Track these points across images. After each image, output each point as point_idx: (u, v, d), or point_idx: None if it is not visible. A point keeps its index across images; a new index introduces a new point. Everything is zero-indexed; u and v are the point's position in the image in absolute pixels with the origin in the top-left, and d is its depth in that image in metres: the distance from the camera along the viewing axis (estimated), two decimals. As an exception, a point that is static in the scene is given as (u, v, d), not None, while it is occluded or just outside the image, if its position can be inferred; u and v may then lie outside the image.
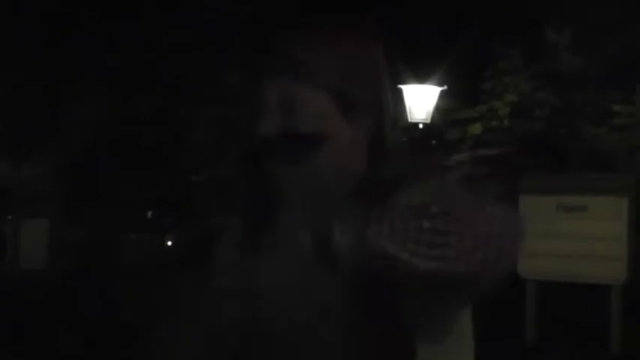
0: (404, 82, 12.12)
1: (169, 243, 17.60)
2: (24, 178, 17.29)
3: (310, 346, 1.57)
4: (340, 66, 1.62)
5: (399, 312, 1.54)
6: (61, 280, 13.20)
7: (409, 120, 11.99)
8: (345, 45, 1.65)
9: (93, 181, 16.88)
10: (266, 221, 1.69)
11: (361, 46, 1.67)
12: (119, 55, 16.91)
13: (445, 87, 12.40)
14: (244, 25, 15.36)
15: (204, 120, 16.25)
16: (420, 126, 11.96)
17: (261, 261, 1.65)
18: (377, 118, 1.66)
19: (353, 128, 1.63)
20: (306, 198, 1.60)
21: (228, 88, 15.86)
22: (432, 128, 13.10)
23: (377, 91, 1.67)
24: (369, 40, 1.69)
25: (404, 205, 1.46)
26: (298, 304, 1.58)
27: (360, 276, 1.47)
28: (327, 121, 1.60)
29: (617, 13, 14.24)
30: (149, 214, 18.64)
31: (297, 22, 1.64)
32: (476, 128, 14.73)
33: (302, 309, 1.58)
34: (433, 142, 14.67)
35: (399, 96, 12.21)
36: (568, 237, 9.43)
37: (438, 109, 12.71)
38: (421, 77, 12.01)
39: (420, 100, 11.81)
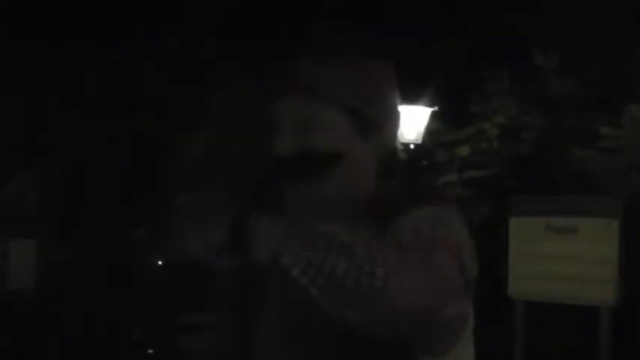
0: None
1: (159, 263, 17.56)
2: (11, 198, 17.21)
3: None
4: (354, 86, 1.65)
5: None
6: (49, 300, 13.14)
7: (400, 141, 12.03)
8: (358, 66, 1.68)
9: (81, 201, 16.83)
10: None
11: (374, 67, 1.70)
12: (106, 74, 16.91)
13: (436, 108, 12.44)
14: (250, 45, 15.38)
15: (192, 141, 16.21)
16: (412, 147, 11.99)
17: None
18: (389, 137, 1.69)
19: (367, 147, 1.65)
20: (319, 215, 1.61)
21: (218, 110, 15.85)
22: (422, 149, 13.14)
23: (389, 111, 1.70)
24: (380, 62, 1.72)
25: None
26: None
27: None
28: (342, 140, 1.63)
29: (605, 35, 14.32)
30: (140, 233, 18.58)
31: (311, 44, 1.66)
32: (464, 150, 14.76)
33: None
34: (424, 162, 14.71)
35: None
36: (558, 259, 9.44)
37: (429, 131, 12.75)
38: (412, 98, 12.05)
39: (411, 120, 11.84)
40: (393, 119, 1.73)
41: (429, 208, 1.61)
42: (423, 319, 1.44)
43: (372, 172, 1.68)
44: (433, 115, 12.68)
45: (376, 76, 1.70)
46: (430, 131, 13.34)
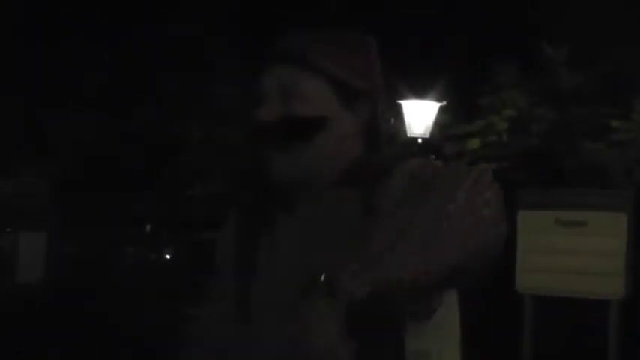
0: (403, 98, 12.15)
1: (167, 257, 17.61)
2: (21, 191, 17.29)
3: None
4: (338, 57, 1.70)
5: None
6: (58, 293, 13.18)
7: (408, 135, 12.02)
8: (341, 39, 1.73)
9: (89, 196, 16.88)
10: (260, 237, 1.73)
11: (356, 40, 1.75)
12: (111, 74, 16.96)
13: (444, 102, 12.43)
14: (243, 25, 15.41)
15: (197, 136, 16.28)
16: (419, 141, 11.98)
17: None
18: (373, 108, 1.73)
19: (351, 115, 1.69)
20: (302, 183, 1.66)
21: (220, 104, 15.91)
22: (430, 143, 13.13)
23: (372, 80, 1.74)
24: (363, 36, 1.77)
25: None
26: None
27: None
28: (326, 107, 1.67)
29: (615, 28, 14.28)
30: (147, 228, 18.64)
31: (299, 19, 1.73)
32: (474, 143, 14.74)
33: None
34: (432, 157, 14.69)
35: (398, 111, 12.23)
36: (567, 252, 9.43)
37: (437, 125, 12.73)
38: (420, 93, 12.04)
39: (419, 115, 11.83)
40: (377, 90, 1.76)
41: (417, 160, 1.65)
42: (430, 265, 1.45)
43: (355, 140, 1.72)
44: (443, 108, 12.67)
45: (359, 48, 1.75)
46: (439, 125, 13.33)
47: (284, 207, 1.71)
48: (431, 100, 12.09)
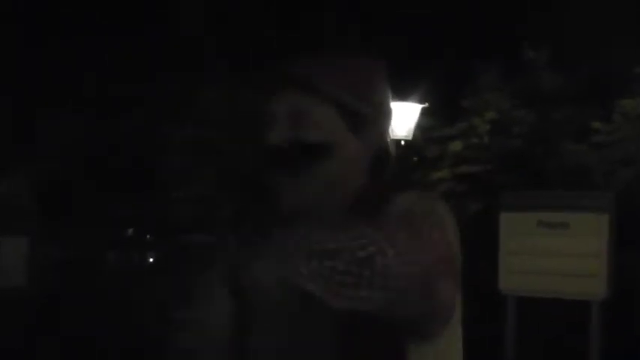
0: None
1: (150, 260, 17.56)
2: (3, 194, 17.19)
3: None
4: (346, 82, 1.69)
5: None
6: (40, 298, 13.13)
7: (391, 137, 12.05)
8: (349, 63, 1.73)
9: (72, 199, 16.82)
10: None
11: (365, 64, 1.74)
12: (96, 76, 16.93)
13: (426, 104, 12.46)
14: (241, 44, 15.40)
15: (182, 140, 16.27)
16: (402, 143, 12.00)
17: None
18: (381, 133, 1.73)
19: (358, 142, 1.69)
20: (309, 209, 1.65)
21: (206, 108, 15.90)
22: (413, 145, 13.15)
23: (380, 107, 1.73)
24: (371, 59, 1.76)
25: (319, 247, 1.48)
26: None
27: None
28: (332, 133, 1.67)
29: (596, 30, 14.35)
30: (129, 231, 18.60)
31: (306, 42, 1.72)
32: (456, 145, 14.78)
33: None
34: (414, 159, 14.72)
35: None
36: (549, 253, 9.47)
37: (419, 127, 12.75)
38: (402, 95, 12.06)
39: (402, 117, 11.85)
40: (385, 115, 1.76)
41: (414, 193, 1.65)
42: (426, 289, 1.47)
43: (362, 167, 1.71)
44: (425, 110, 12.69)
45: (367, 72, 1.74)
46: (421, 127, 13.35)
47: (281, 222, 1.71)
48: (413, 102, 12.10)
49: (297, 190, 1.66)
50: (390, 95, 1.80)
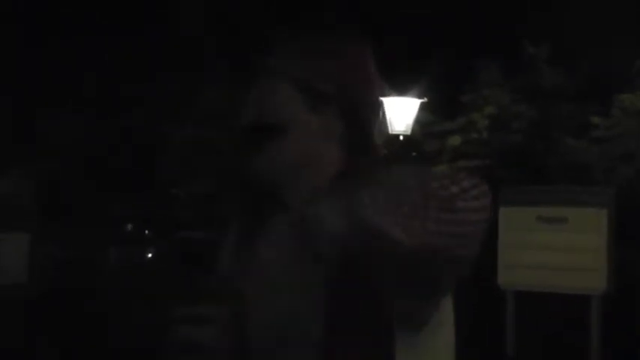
0: (384, 95, 12.17)
1: (149, 256, 17.58)
2: (4, 192, 17.21)
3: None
4: (307, 61, 1.73)
5: (379, 308, 1.58)
6: (40, 295, 13.13)
7: (389, 132, 12.04)
8: (321, 44, 1.76)
9: (72, 197, 16.84)
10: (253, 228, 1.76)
11: (324, 42, 1.78)
12: (96, 76, 16.94)
13: (425, 99, 12.46)
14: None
15: (181, 138, 16.29)
16: (401, 138, 12.01)
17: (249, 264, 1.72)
18: (350, 113, 1.75)
19: (319, 119, 1.72)
20: (280, 185, 1.69)
21: (204, 107, 15.92)
22: (412, 140, 13.15)
23: (343, 83, 1.76)
24: (346, 42, 1.79)
25: (389, 186, 1.53)
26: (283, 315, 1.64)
27: (346, 260, 1.53)
28: (291, 110, 1.71)
29: (596, 26, 14.35)
30: (129, 227, 18.62)
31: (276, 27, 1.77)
32: (455, 140, 14.79)
33: (286, 323, 1.63)
34: (413, 154, 14.73)
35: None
36: (548, 248, 9.47)
37: (418, 122, 12.76)
38: (401, 90, 12.06)
39: (401, 112, 11.86)
40: (350, 93, 1.78)
41: (408, 167, 1.69)
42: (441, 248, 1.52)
43: (335, 143, 1.74)
44: (424, 105, 12.70)
45: (337, 53, 1.77)
46: (420, 122, 13.35)
47: (278, 207, 1.74)
48: (412, 97, 12.11)
49: (265, 165, 1.71)
50: (374, 79, 1.82)
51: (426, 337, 1.66)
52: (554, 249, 9.44)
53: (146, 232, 18.27)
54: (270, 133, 1.70)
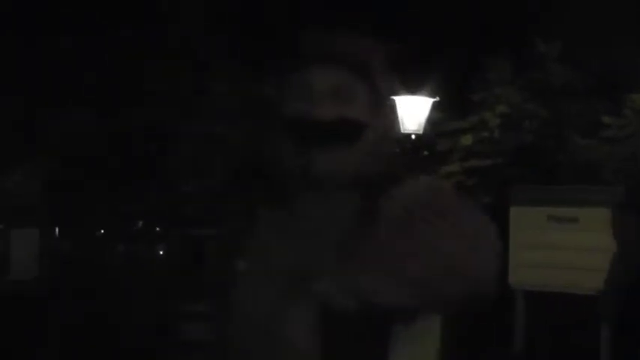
0: (396, 93, 12.15)
1: (160, 252, 17.60)
2: (13, 188, 17.25)
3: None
4: (373, 62, 1.73)
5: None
6: (51, 290, 13.16)
7: (401, 131, 12.02)
8: (369, 44, 1.76)
9: (82, 192, 16.86)
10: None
11: (376, 49, 1.78)
12: (107, 69, 16.95)
13: (437, 98, 12.44)
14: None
15: (192, 134, 16.30)
16: (413, 137, 11.99)
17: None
18: (391, 117, 1.78)
19: (379, 122, 1.73)
20: (336, 185, 1.68)
21: (216, 102, 15.92)
22: (423, 139, 13.13)
23: (388, 89, 1.77)
24: (382, 52, 1.80)
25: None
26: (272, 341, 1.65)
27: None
28: (367, 112, 1.70)
29: (606, 24, 14.31)
30: (139, 224, 18.65)
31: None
32: (467, 139, 14.77)
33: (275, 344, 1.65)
34: (425, 152, 14.71)
35: (392, 107, 12.21)
36: (559, 248, 9.45)
37: (430, 121, 12.73)
38: (413, 88, 12.04)
39: (412, 111, 11.83)
40: (389, 98, 1.81)
41: (421, 180, 1.69)
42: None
43: (380, 147, 1.75)
44: (436, 104, 12.67)
45: (379, 55, 1.78)
46: (433, 121, 13.32)
47: (285, 204, 1.74)
48: (424, 95, 12.09)
49: (331, 163, 1.69)
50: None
51: (412, 344, 1.66)
52: (564, 249, 9.42)
53: (157, 229, 18.29)
54: (355, 133, 1.69)
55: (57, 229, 16.44)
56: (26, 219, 15.64)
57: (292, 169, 1.71)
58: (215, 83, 16.11)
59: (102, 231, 17.33)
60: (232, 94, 15.78)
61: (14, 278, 14.43)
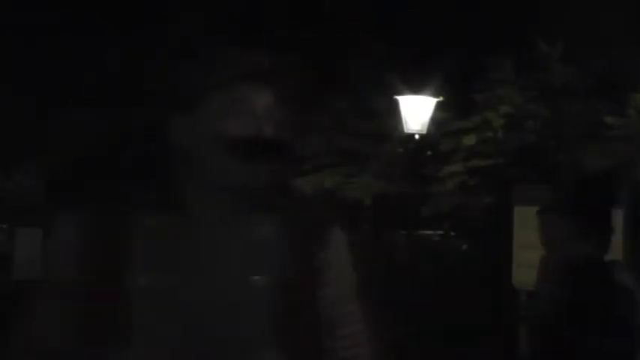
0: (400, 93, 12.16)
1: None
2: (17, 188, 17.26)
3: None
4: (281, 80, 1.79)
5: None
6: (54, 290, 13.14)
7: (405, 131, 12.03)
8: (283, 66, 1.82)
9: (85, 190, 16.86)
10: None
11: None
12: (111, 67, 16.97)
13: (441, 98, 12.45)
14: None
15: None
16: (416, 137, 12.00)
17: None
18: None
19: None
20: (256, 195, 1.73)
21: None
22: (427, 139, 13.13)
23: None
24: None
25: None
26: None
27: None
28: (286, 132, 1.77)
29: (608, 25, 14.32)
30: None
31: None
32: (470, 139, 14.77)
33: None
34: (428, 153, 14.72)
35: (395, 107, 12.23)
36: (562, 247, 9.44)
37: (434, 121, 12.74)
38: (416, 88, 12.05)
39: (416, 111, 11.84)
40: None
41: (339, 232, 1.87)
42: None
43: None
44: (439, 104, 12.67)
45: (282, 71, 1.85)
46: (436, 121, 13.32)
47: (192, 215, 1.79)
48: (427, 95, 12.10)
49: (255, 177, 1.74)
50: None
51: None
52: (569, 248, 9.41)
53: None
54: (280, 148, 1.78)
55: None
56: (29, 218, 15.65)
57: (230, 182, 1.76)
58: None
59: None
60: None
61: (17, 278, 14.43)
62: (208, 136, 1.75)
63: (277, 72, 1.79)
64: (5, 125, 17.21)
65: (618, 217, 9.29)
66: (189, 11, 16.91)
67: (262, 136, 1.74)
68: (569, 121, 14.73)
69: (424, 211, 14.68)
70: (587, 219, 3.50)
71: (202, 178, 1.79)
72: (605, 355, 3.29)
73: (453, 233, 16.74)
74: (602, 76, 14.82)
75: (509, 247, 9.77)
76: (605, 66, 14.81)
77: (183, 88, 1.77)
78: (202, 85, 1.76)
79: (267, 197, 1.80)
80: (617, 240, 9.26)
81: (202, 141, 1.75)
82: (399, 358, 4.18)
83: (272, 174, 1.77)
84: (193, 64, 1.77)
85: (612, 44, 14.42)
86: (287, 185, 1.85)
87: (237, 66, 1.78)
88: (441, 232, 17.00)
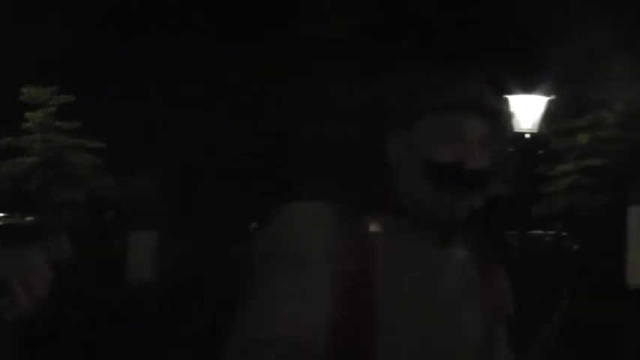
0: (511, 92, 12.02)
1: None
2: (132, 193, 17.61)
3: None
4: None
5: None
6: (169, 293, 13.31)
7: (515, 130, 11.90)
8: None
9: (199, 194, 17.10)
10: None
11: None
12: (235, 77, 17.18)
13: (553, 97, 12.28)
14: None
15: (312, 136, 16.41)
16: (527, 136, 11.84)
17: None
18: None
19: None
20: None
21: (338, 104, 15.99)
22: (539, 138, 12.96)
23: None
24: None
25: None
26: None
27: None
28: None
29: None
30: (253, 225, 18.85)
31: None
32: (584, 138, 14.55)
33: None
34: (540, 151, 14.53)
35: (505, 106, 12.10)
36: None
37: (545, 119, 12.56)
38: (528, 87, 11.91)
39: (527, 109, 11.69)
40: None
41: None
42: None
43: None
44: (551, 102, 12.48)
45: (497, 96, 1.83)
46: (547, 119, 13.14)
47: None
48: (539, 94, 11.94)
49: (460, 207, 1.70)
50: None
51: None
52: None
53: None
54: (491, 181, 1.69)
55: (174, 231, 16.69)
56: (144, 222, 15.94)
57: (424, 209, 1.72)
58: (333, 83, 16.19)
59: (217, 231, 17.55)
60: (356, 94, 15.85)
61: (132, 281, 14.66)
62: (417, 158, 1.74)
63: (497, 104, 1.73)
64: (124, 128, 17.56)
65: None
66: None
67: (469, 166, 1.77)
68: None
69: (535, 210, 14.49)
70: None
71: (401, 201, 1.77)
72: None
73: (564, 233, 16.48)
74: None
75: (624, 246, 9.59)
76: None
77: (403, 106, 1.72)
78: (421, 106, 1.71)
79: (458, 230, 1.73)
80: None
81: (410, 162, 1.72)
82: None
83: (470, 207, 1.70)
84: (417, 84, 1.73)
85: None
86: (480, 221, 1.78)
87: (461, 93, 1.74)
88: (552, 232, 16.76)
